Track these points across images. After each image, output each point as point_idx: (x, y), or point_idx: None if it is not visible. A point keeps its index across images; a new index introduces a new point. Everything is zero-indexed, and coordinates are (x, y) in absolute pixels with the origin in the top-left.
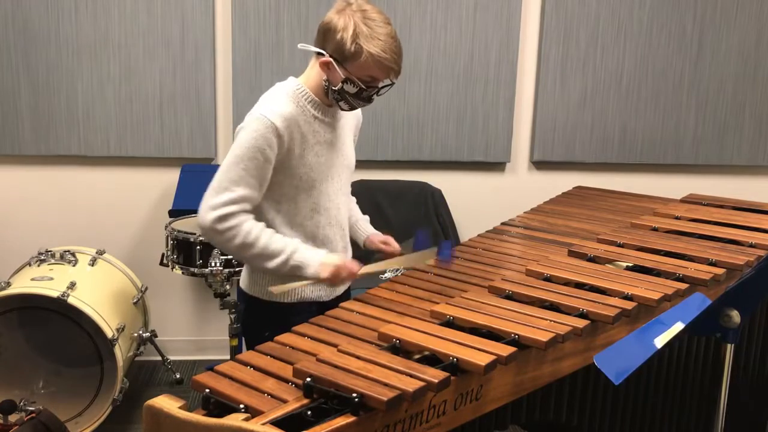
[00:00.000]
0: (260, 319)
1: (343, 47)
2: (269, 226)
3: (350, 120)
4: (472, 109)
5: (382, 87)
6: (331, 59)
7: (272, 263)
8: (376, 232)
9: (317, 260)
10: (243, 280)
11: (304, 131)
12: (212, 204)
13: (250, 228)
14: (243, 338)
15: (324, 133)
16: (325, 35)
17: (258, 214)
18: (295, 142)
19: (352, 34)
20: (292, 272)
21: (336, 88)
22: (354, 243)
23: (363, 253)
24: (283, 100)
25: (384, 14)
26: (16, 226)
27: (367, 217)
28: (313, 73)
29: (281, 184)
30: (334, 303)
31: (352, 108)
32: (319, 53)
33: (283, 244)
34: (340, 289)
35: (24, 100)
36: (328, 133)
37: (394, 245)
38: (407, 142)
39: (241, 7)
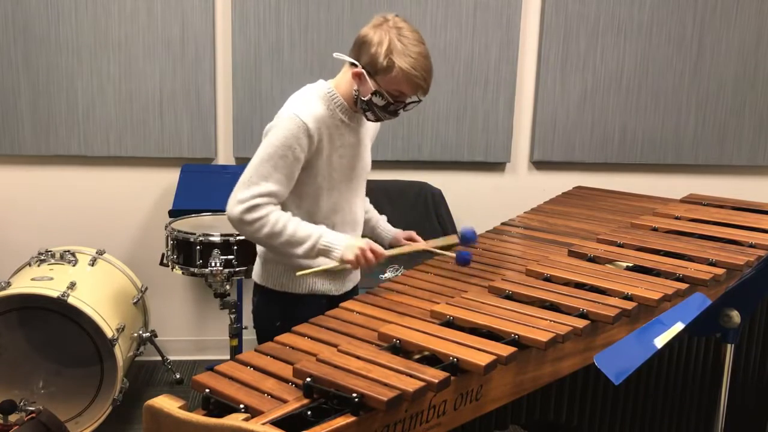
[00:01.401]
0: (272, 309)
1: (377, 61)
2: None
3: (370, 128)
4: (472, 109)
5: (409, 103)
6: (363, 71)
7: (300, 249)
8: (398, 230)
9: (343, 243)
10: (255, 273)
11: (332, 133)
12: (240, 198)
13: (277, 217)
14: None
15: (348, 137)
16: (361, 47)
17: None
18: (324, 144)
19: (387, 49)
20: (320, 256)
21: (365, 99)
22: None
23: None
24: (315, 102)
25: (419, 33)
26: (16, 226)
27: (384, 217)
28: (344, 80)
29: (305, 183)
30: (344, 297)
31: (378, 119)
32: (352, 63)
33: (309, 229)
34: (349, 285)
35: (24, 100)
36: (352, 137)
37: (419, 239)
38: (407, 142)
39: (241, 7)
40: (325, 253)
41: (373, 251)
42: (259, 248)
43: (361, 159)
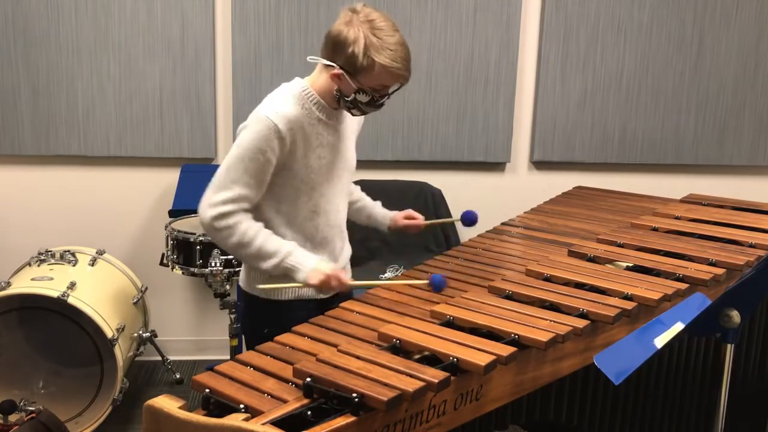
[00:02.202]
0: (259, 316)
1: (355, 61)
2: (268, 225)
3: (352, 122)
4: (472, 109)
5: (392, 92)
6: (342, 72)
7: (266, 264)
8: (395, 212)
9: (310, 266)
10: (242, 279)
11: (308, 133)
12: (211, 201)
13: (246, 228)
14: (242, 336)
15: (327, 136)
16: (335, 48)
17: (258, 213)
18: (298, 145)
19: (363, 48)
20: (285, 273)
21: (349, 99)
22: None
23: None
24: (289, 102)
25: (390, 20)
26: (16, 226)
27: (378, 203)
28: (320, 78)
29: (282, 186)
30: (333, 301)
31: (363, 113)
32: (329, 65)
33: (278, 245)
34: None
35: (24, 100)
36: (330, 136)
37: (418, 216)
38: (407, 142)
39: (241, 7)
40: (291, 272)
41: (338, 280)
42: None
43: (342, 158)
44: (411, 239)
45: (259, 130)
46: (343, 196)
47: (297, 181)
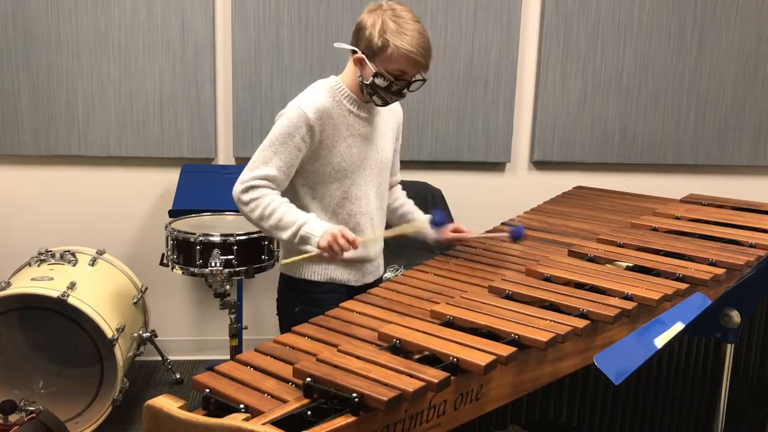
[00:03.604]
0: (292, 295)
1: (372, 42)
2: (306, 210)
3: (391, 118)
4: (472, 109)
5: (413, 82)
6: (362, 55)
7: (285, 234)
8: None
9: (322, 231)
10: (281, 260)
11: (338, 123)
12: (242, 178)
13: (269, 201)
14: (277, 315)
15: (359, 127)
16: (358, 34)
17: (296, 199)
18: (327, 134)
19: (380, 30)
20: (302, 243)
21: (368, 83)
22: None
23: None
24: (320, 94)
25: (413, 13)
26: (16, 226)
27: (428, 217)
28: (349, 70)
29: (315, 173)
30: (363, 289)
31: (385, 102)
32: (352, 51)
33: (296, 216)
34: (371, 277)
35: (24, 100)
36: (363, 127)
37: (464, 230)
38: (407, 142)
39: (241, 7)
40: (306, 240)
41: (345, 237)
42: None
43: (375, 149)
44: (411, 239)
45: (291, 117)
46: (374, 186)
47: (329, 168)
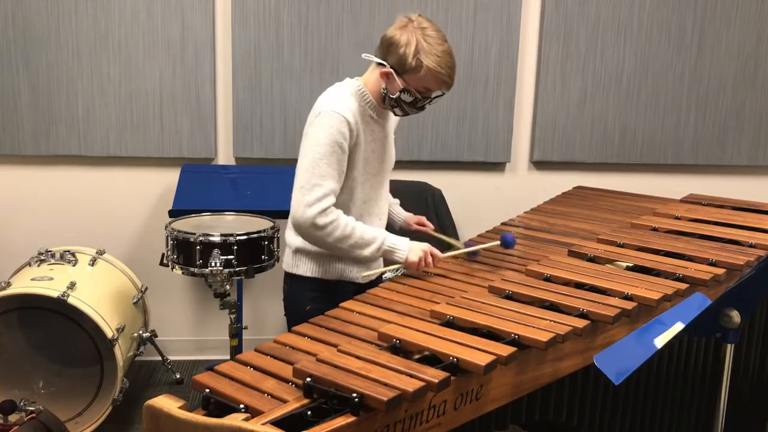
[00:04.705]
0: (303, 294)
1: (405, 61)
2: None
3: (393, 121)
4: (472, 109)
5: (435, 97)
6: (391, 70)
7: (368, 250)
8: (409, 214)
9: (407, 245)
10: (286, 263)
11: (364, 128)
12: (308, 201)
13: (346, 221)
14: (285, 316)
15: (377, 132)
16: (389, 48)
17: None
18: (360, 137)
19: (414, 50)
20: (384, 256)
21: (394, 97)
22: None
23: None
24: (350, 99)
25: (441, 32)
26: (16, 226)
27: (397, 201)
28: (372, 78)
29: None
30: (368, 287)
31: (405, 114)
32: (380, 63)
33: (374, 232)
34: (374, 276)
35: (24, 100)
36: (380, 132)
37: (428, 224)
38: (407, 142)
39: (241, 7)
40: (390, 254)
41: (433, 255)
42: (290, 239)
43: (387, 153)
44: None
45: (332, 125)
46: (385, 188)
47: (356, 172)
